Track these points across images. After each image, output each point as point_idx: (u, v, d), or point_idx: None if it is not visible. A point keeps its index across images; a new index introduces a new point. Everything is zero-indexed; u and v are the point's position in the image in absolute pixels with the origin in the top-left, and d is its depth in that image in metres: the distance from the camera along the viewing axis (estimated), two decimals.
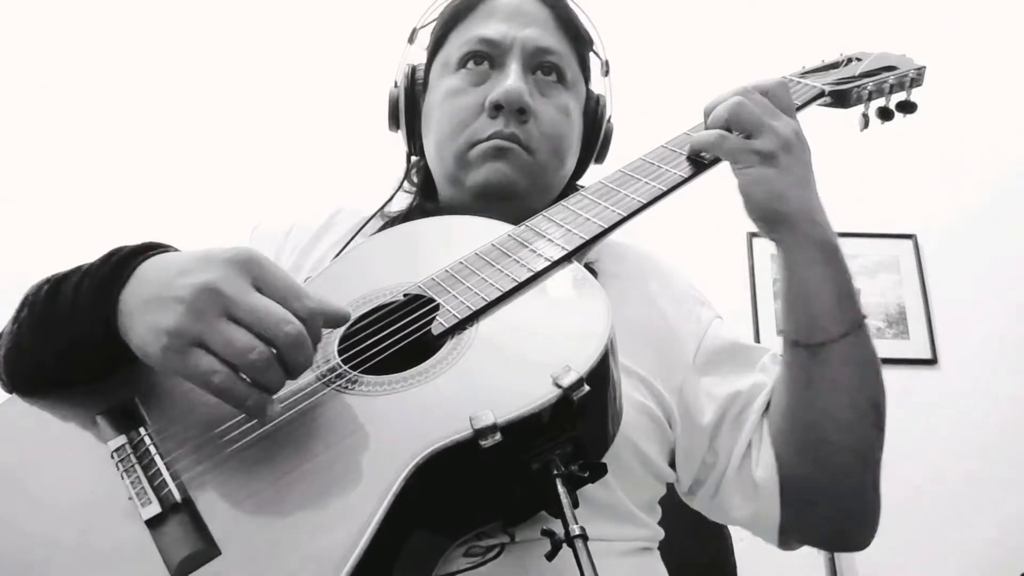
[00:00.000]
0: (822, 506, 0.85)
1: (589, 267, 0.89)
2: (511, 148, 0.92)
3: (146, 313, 0.65)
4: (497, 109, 0.92)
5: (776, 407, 0.87)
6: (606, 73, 1.07)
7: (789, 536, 0.88)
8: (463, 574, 0.70)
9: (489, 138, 0.92)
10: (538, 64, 0.96)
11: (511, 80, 0.92)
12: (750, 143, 0.81)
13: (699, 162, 0.85)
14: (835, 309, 0.81)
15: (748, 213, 0.84)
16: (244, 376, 0.63)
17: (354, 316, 0.76)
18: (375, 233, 0.96)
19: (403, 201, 1.06)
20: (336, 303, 0.70)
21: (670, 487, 0.94)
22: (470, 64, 0.96)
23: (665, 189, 0.83)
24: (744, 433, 0.88)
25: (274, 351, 0.63)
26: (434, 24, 1.03)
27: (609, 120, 1.05)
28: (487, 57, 0.96)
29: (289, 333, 0.62)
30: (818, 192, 0.83)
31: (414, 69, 1.03)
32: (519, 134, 0.92)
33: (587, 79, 1.04)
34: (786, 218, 0.81)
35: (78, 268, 0.74)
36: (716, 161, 0.85)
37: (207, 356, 0.62)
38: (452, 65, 0.98)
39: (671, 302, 0.96)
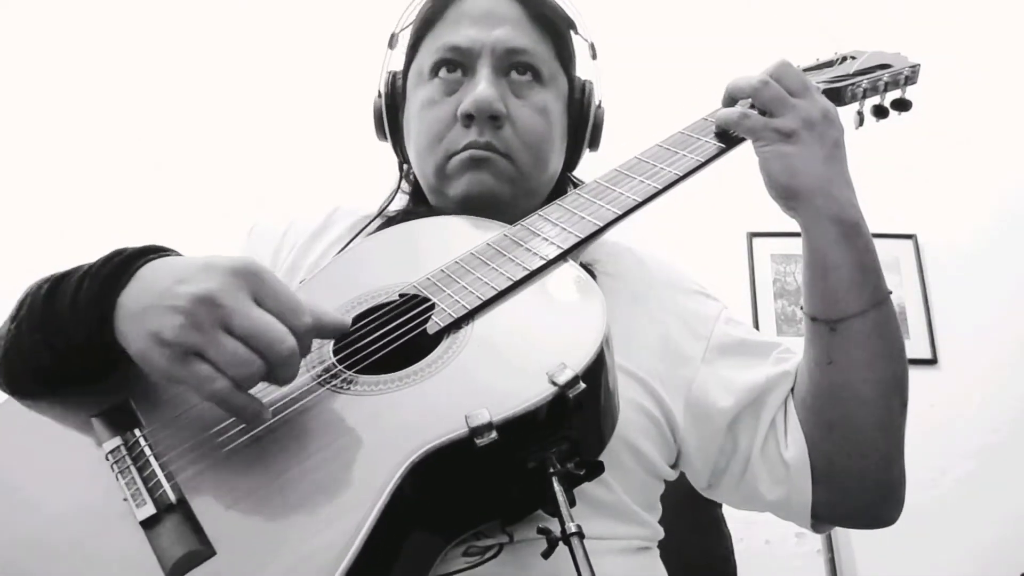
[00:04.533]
0: (850, 482, 0.86)
1: (586, 267, 0.89)
2: (488, 157, 0.91)
3: (144, 320, 0.65)
4: (469, 119, 0.91)
5: (800, 385, 0.88)
6: (594, 56, 1.04)
7: (821, 517, 0.88)
8: (461, 574, 0.70)
9: (465, 148, 0.91)
10: (511, 65, 0.94)
11: (480, 88, 0.90)
12: (770, 121, 0.82)
13: (719, 144, 0.86)
14: (854, 285, 0.82)
15: (767, 189, 0.84)
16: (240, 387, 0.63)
17: (350, 317, 0.76)
18: (377, 231, 0.96)
19: (401, 201, 1.06)
20: (334, 315, 0.70)
21: (670, 486, 0.94)
22: (442, 72, 0.95)
23: (660, 187, 0.83)
24: (765, 416, 0.88)
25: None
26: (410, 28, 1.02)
27: (599, 105, 1.03)
28: (458, 65, 0.94)
29: (281, 353, 0.63)
30: (846, 169, 0.83)
31: (394, 77, 1.02)
32: (495, 142, 0.91)
33: (570, 67, 1.01)
34: (800, 193, 0.82)
35: (78, 268, 0.73)
36: (738, 141, 0.86)
37: (204, 364, 0.62)
38: (425, 74, 0.96)
39: (671, 301, 0.96)
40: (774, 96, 0.83)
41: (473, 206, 0.91)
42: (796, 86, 0.84)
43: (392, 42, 1.03)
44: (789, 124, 0.81)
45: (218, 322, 0.62)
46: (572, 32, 1.01)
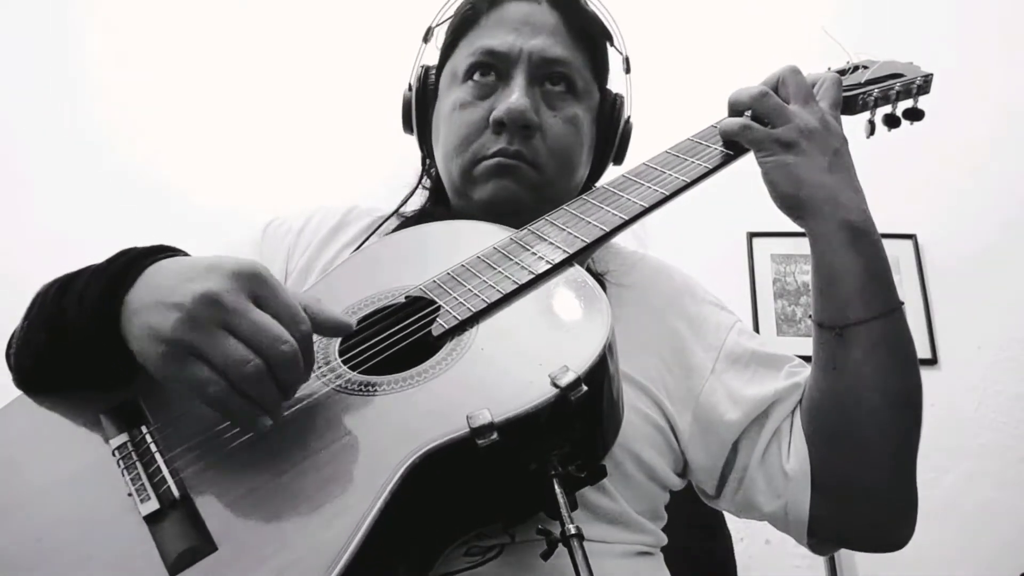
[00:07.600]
0: (854, 497, 0.84)
1: (599, 277, 0.89)
2: (516, 166, 0.91)
3: (146, 317, 0.65)
4: (501, 126, 0.91)
5: (807, 394, 0.87)
6: (627, 70, 1.05)
7: (821, 533, 0.86)
8: (463, 573, 0.70)
9: (494, 155, 0.91)
10: (546, 75, 0.94)
11: (515, 97, 0.90)
12: (772, 131, 0.83)
13: (727, 151, 0.86)
14: (863, 290, 0.81)
15: (773, 200, 0.85)
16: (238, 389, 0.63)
17: (356, 318, 0.76)
18: (388, 234, 0.96)
19: (418, 201, 1.05)
20: (337, 314, 0.70)
21: (675, 494, 0.93)
22: (476, 75, 0.95)
23: (667, 193, 0.83)
24: (769, 425, 0.87)
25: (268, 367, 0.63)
26: (447, 24, 1.02)
27: (628, 121, 1.03)
28: (493, 68, 0.94)
29: (283, 352, 0.63)
30: (853, 175, 0.83)
31: (426, 71, 1.02)
32: (524, 151, 0.91)
33: (604, 80, 1.02)
34: (805, 203, 0.82)
35: (88, 268, 0.74)
36: (746, 148, 0.86)
37: (203, 366, 0.62)
38: (459, 76, 0.96)
39: (684, 310, 0.95)
40: (773, 107, 0.83)
41: (496, 211, 0.91)
42: (800, 93, 0.84)
43: (427, 36, 1.03)
44: (788, 134, 0.82)
45: (218, 321, 0.62)
46: (608, 44, 1.02)
